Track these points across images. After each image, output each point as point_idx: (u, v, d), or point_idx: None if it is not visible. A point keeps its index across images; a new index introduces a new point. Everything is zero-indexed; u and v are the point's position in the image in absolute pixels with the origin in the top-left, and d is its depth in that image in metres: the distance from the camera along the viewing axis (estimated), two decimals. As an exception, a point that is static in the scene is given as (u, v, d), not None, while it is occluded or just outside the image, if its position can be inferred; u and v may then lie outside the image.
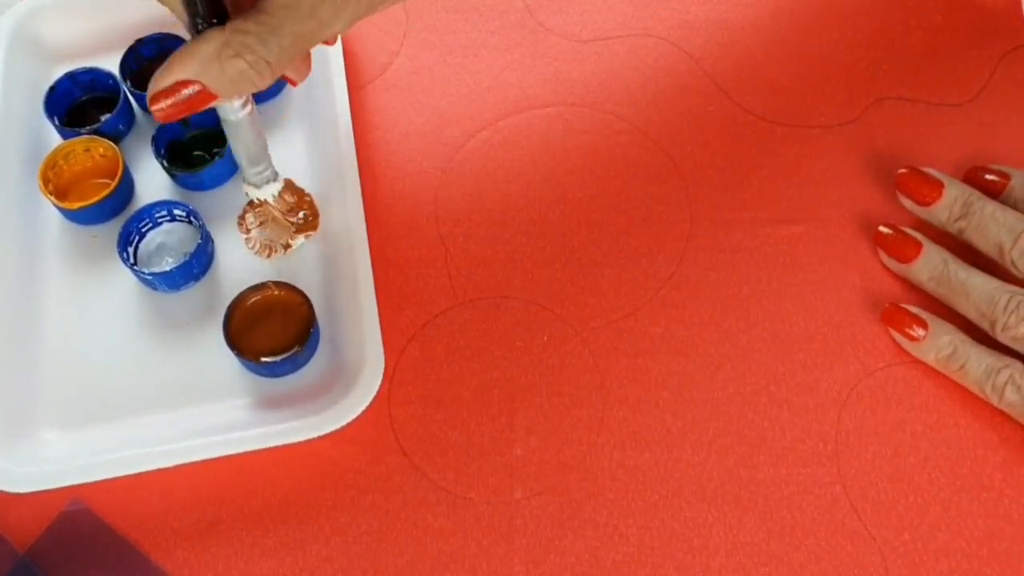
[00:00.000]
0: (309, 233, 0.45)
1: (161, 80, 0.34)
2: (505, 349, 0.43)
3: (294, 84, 0.39)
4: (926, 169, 0.44)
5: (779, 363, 0.43)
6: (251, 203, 0.46)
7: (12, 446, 0.41)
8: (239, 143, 0.41)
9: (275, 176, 0.43)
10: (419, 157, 0.48)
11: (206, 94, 0.35)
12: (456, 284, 0.45)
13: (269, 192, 0.44)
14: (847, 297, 0.44)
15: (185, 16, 0.35)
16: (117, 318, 0.44)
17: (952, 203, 0.43)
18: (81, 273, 0.45)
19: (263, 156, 0.42)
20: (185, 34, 0.36)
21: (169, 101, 0.35)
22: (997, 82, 0.49)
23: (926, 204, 0.44)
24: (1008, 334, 0.40)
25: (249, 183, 0.43)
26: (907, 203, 0.45)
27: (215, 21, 0.34)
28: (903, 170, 0.45)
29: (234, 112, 0.38)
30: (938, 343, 0.41)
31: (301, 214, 0.45)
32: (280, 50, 0.34)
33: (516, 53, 0.51)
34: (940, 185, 0.43)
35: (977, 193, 0.43)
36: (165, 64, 0.34)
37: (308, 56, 0.38)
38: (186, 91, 0.34)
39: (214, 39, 0.34)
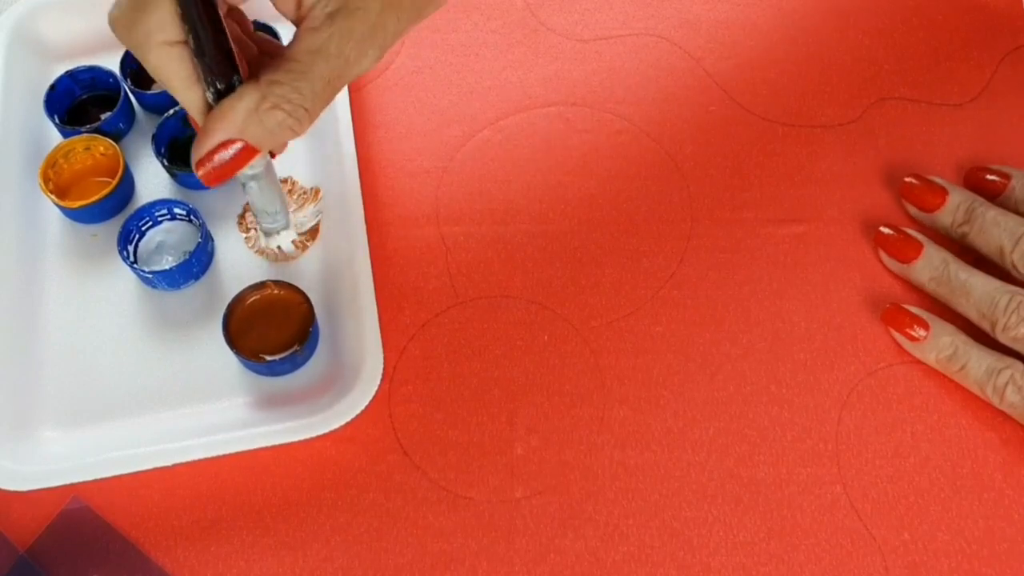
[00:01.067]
0: (308, 243, 0.45)
1: (204, 143, 0.34)
2: (505, 348, 0.43)
3: (273, 156, 0.38)
4: (930, 176, 0.44)
5: (780, 363, 0.43)
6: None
7: (12, 444, 0.41)
8: (255, 194, 0.40)
9: (288, 223, 0.43)
10: (420, 156, 0.48)
11: (249, 150, 0.34)
12: (456, 283, 0.45)
13: (279, 243, 0.44)
14: (848, 297, 0.44)
15: (191, 94, 0.34)
16: (117, 317, 0.44)
17: (955, 209, 0.43)
18: (81, 272, 0.45)
19: (277, 206, 0.41)
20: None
21: (214, 163, 0.34)
22: (998, 82, 0.49)
23: (930, 210, 0.44)
24: (1008, 335, 0.40)
25: (262, 230, 0.43)
26: (912, 209, 0.45)
27: (233, 80, 0.34)
28: (908, 179, 0.45)
29: (253, 168, 0.37)
30: (939, 344, 0.41)
31: (313, 222, 0.45)
32: (314, 95, 0.34)
33: (517, 52, 0.51)
34: (944, 192, 0.43)
35: (980, 199, 0.43)
36: (204, 127, 0.34)
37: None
38: (230, 150, 0.34)
39: (248, 94, 0.33)
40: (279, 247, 0.44)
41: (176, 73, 0.34)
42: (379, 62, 0.35)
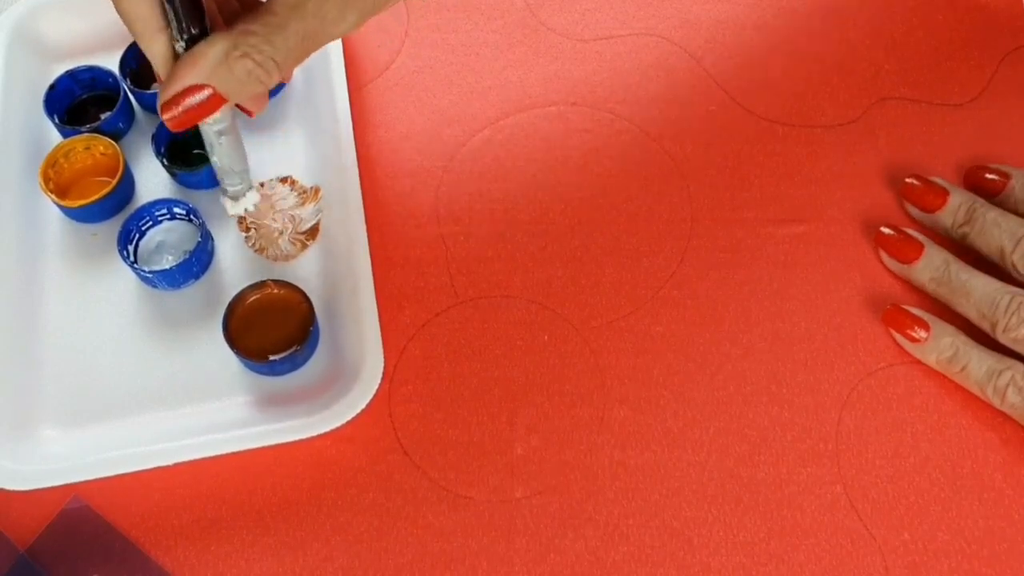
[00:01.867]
0: (308, 242, 0.45)
1: (171, 87, 0.34)
2: (506, 348, 0.43)
3: (251, 115, 0.37)
4: (931, 177, 0.44)
5: (780, 363, 0.43)
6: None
7: (13, 444, 0.41)
8: (223, 152, 0.39)
9: (251, 186, 0.42)
10: (420, 156, 0.48)
11: (217, 98, 0.34)
12: (457, 283, 0.45)
13: (246, 205, 0.43)
14: (848, 297, 0.44)
15: (154, 42, 0.34)
16: (117, 316, 0.44)
17: (956, 209, 0.43)
18: (81, 271, 0.45)
19: (243, 165, 0.41)
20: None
21: (180, 108, 0.34)
22: (999, 82, 0.49)
23: (931, 211, 0.44)
24: (1009, 335, 0.40)
25: (228, 196, 0.42)
26: (913, 210, 0.45)
27: (205, 25, 0.34)
28: (909, 179, 0.45)
29: (220, 122, 0.37)
30: (939, 344, 0.41)
31: (313, 222, 0.45)
32: (287, 49, 0.34)
33: (517, 52, 0.51)
34: (945, 192, 0.43)
35: (980, 200, 0.43)
36: (172, 71, 0.34)
37: (265, 94, 0.37)
38: (197, 96, 0.34)
39: (220, 42, 0.33)
40: (247, 210, 0.43)
41: (141, 17, 0.33)
42: (360, 27, 0.35)
